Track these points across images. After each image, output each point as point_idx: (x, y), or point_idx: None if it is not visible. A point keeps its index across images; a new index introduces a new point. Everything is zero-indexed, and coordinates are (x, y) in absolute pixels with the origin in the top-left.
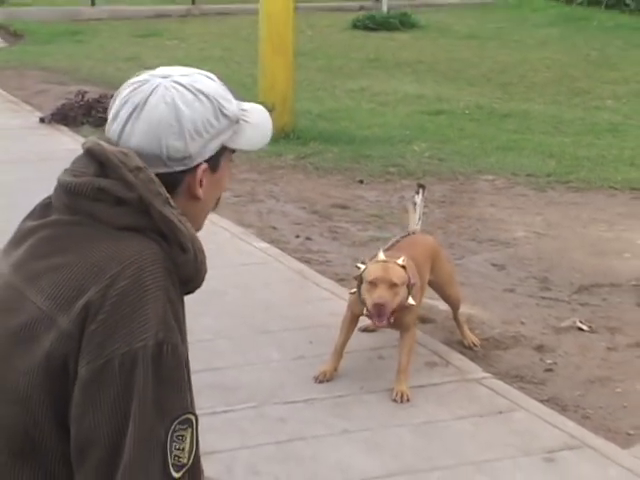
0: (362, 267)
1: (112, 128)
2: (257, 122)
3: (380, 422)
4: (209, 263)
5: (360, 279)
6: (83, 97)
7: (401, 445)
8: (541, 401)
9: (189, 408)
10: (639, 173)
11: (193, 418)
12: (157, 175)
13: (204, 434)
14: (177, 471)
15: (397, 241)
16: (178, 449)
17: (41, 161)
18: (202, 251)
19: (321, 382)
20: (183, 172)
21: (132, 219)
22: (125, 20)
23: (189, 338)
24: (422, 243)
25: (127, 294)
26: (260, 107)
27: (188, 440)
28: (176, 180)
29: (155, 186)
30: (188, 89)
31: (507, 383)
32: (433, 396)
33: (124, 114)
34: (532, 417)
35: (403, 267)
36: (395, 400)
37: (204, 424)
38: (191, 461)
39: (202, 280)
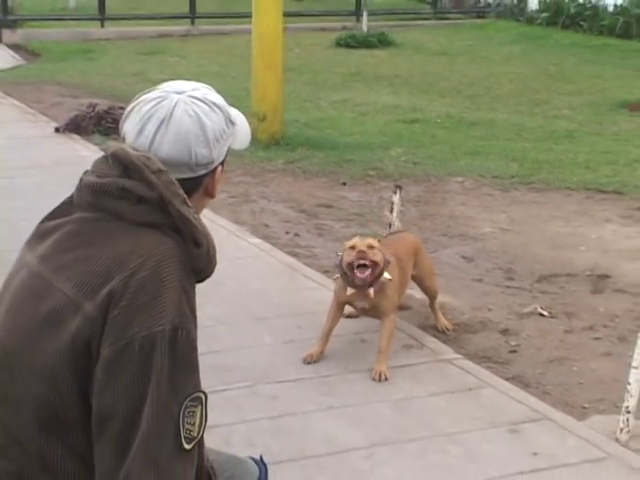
0: (341, 255)
1: (139, 141)
2: (241, 123)
3: (362, 399)
4: None
5: (341, 263)
6: (94, 109)
7: (380, 419)
8: (506, 379)
9: (199, 387)
10: (592, 175)
11: (203, 396)
12: (183, 180)
13: None
14: (188, 443)
15: (383, 238)
16: (190, 424)
17: (56, 166)
18: (214, 246)
19: (309, 363)
20: (204, 175)
21: (152, 216)
22: (131, 40)
23: None
24: (405, 241)
25: (146, 284)
26: (236, 110)
27: (198, 416)
28: (198, 183)
29: (175, 187)
30: (204, 102)
31: (476, 363)
32: (409, 375)
33: (151, 128)
34: (498, 393)
35: (378, 241)
36: (374, 379)
37: None
38: (200, 434)
39: (212, 271)
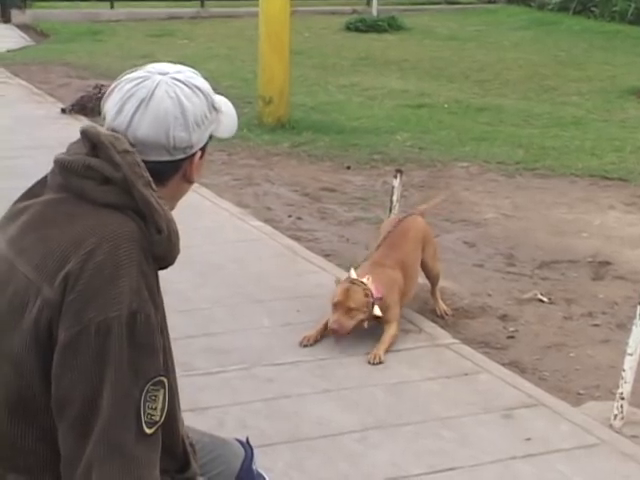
0: (336, 282)
1: (118, 120)
2: (228, 111)
3: (357, 382)
4: (209, 239)
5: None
6: (100, 90)
7: (375, 403)
8: (503, 364)
9: (161, 371)
10: (598, 162)
11: (165, 380)
12: (160, 162)
13: (200, 392)
14: (150, 427)
15: (388, 235)
16: (151, 408)
17: (61, 147)
18: (176, 233)
19: (305, 346)
20: (182, 160)
21: (115, 197)
22: (140, 21)
23: (189, 307)
24: (414, 227)
25: (103, 268)
26: (224, 98)
27: (160, 400)
28: (176, 167)
29: (140, 169)
30: (187, 85)
31: (473, 348)
32: (406, 359)
33: (131, 107)
34: (494, 378)
35: (365, 290)
36: (369, 362)
37: (200, 383)
38: (163, 418)
39: (174, 259)
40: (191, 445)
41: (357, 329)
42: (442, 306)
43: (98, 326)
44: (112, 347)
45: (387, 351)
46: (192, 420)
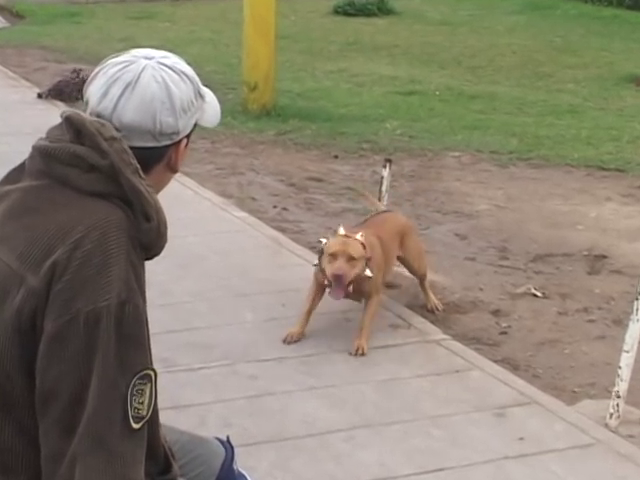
0: (324, 241)
1: (103, 104)
2: (211, 101)
3: (344, 379)
4: (191, 230)
5: (321, 252)
6: (78, 75)
7: (363, 401)
8: (495, 361)
9: (149, 364)
10: (594, 152)
11: (152, 374)
12: (145, 149)
13: (182, 389)
14: (136, 422)
15: (368, 219)
16: (138, 402)
17: (38, 133)
18: (165, 223)
19: (289, 343)
20: (168, 146)
21: (102, 186)
22: (120, 3)
23: (170, 300)
24: (392, 221)
25: (91, 257)
26: (206, 88)
27: (147, 394)
28: (161, 154)
29: (127, 156)
30: (173, 70)
31: (464, 344)
32: (395, 355)
33: (116, 91)
34: (486, 376)
35: (361, 243)
36: (351, 353)
37: (182, 379)
38: (150, 414)
39: (161, 249)
40: (170, 449)
41: (348, 290)
42: (434, 300)
43: (87, 316)
44: (100, 338)
45: (369, 334)
46: (173, 418)
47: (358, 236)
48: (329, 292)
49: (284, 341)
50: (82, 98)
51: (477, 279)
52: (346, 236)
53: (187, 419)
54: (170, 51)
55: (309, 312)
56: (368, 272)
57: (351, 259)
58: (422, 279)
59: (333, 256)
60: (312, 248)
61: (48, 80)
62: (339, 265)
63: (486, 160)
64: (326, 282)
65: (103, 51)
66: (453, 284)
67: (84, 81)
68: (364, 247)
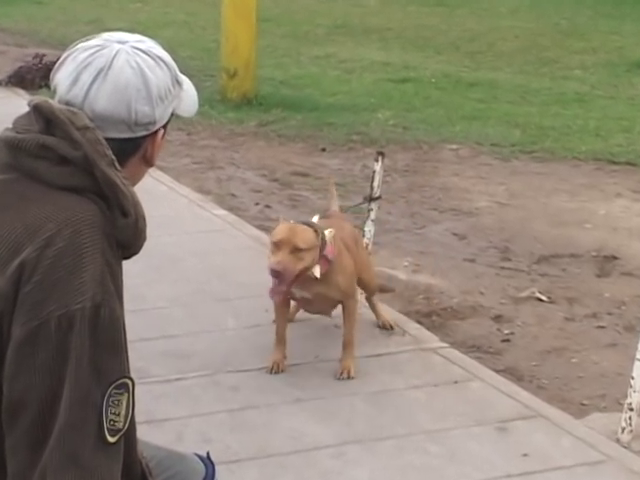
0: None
1: (73, 92)
2: (188, 89)
3: (334, 391)
4: (166, 230)
5: None
6: (41, 60)
7: (354, 414)
8: (497, 371)
9: (126, 372)
10: (603, 144)
11: (130, 383)
12: (120, 140)
13: (157, 401)
14: (112, 435)
15: (322, 218)
16: (114, 414)
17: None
18: (144, 218)
19: (276, 373)
20: (143, 137)
21: (74, 179)
22: None
23: (143, 305)
24: (348, 226)
25: (64, 256)
26: (184, 76)
27: (124, 405)
28: (137, 146)
29: (102, 147)
30: (149, 55)
31: (463, 353)
32: (388, 365)
33: (87, 78)
34: (487, 387)
35: (314, 230)
36: (340, 378)
37: (157, 391)
38: (126, 426)
39: (140, 247)
40: (147, 466)
41: (300, 280)
42: (384, 316)
43: (59, 320)
44: (73, 344)
45: (354, 348)
46: (147, 433)
47: (327, 232)
48: (268, 290)
49: (270, 371)
50: (47, 85)
51: (477, 282)
52: (295, 223)
53: (163, 434)
54: (141, 35)
55: (283, 331)
56: (316, 271)
57: (296, 250)
58: (372, 293)
59: (276, 245)
60: None
61: (8, 66)
62: (280, 258)
63: (486, 153)
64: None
65: (68, 34)
66: (451, 288)
67: (47, 67)
68: (319, 234)
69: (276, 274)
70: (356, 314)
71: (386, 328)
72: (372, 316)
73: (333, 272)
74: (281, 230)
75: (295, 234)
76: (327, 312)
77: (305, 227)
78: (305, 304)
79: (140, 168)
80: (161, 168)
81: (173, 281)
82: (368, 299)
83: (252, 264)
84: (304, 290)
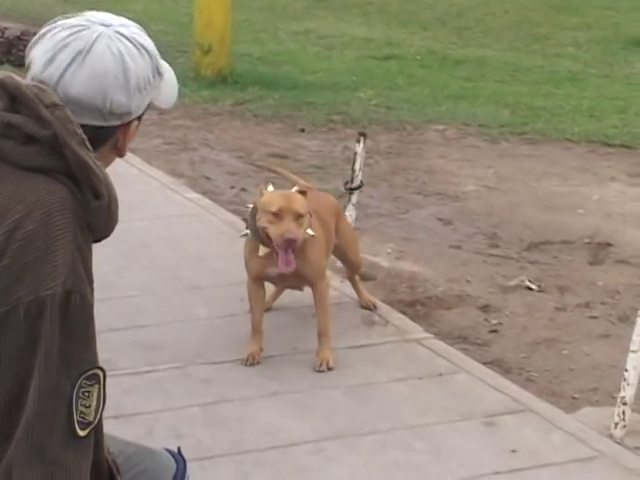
0: (252, 205)
1: (48, 71)
2: (169, 79)
3: (312, 384)
4: (136, 214)
5: (252, 219)
6: (3, 34)
7: (334, 408)
8: (484, 363)
9: (97, 362)
10: (597, 125)
11: (101, 373)
12: (91, 127)
13: (126, 395)
14: (82, 429)
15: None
16: (84, 406)
17: None
18: (116, 200)
19: (252, 365)
20: (116, 127)
21: (42, 159)
22: None
23: (111, 293)
24: (325, 199)
25: (34, 239)
26: (166, 64)
27: (95, 397)
28: (108, 135)
29: (72, 125)
30: (132, 42)
31: (449, 344)
32: (370, 357)
33: (64, 59)
34: (473, 380)
35: (303, 193)
36: (319, 370)
37: (126, 384)
38: (97, 419)
39: (112, 230)
40: (114, 462)
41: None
42: (366, 296)
43: (28, 307)
44: (43, 331)
45: (330, 338)
46: (116, 428)
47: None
48: (279, 262)
49: (245, 363)
50: (9, 61)
51: (463, 270)
52: (285, 191)
53: (132, 429)
54: (110, 7)
55: (260, 322)
56: (309, 231)
57: (299, 217)
58: (357, 270)
59: (277, 215)
60: None
61: None
62: (288, 226)
63: (474, 134)
64: (265, 239)
65: (32, 6)
66: (436, 275)
67: (9, 41)
68: (305, 197)
69: (289, 243)
70: (328, 299)
71: (369, 308)
72: (353, 305)
73: (311, 247)
74: (277, 198)
75: (293, 201)
76: (300, 287)
77: (294, 194)
78: (280, 280)
79: (109, 157)
80: (131, 150)
81: (143, 268)
82: (350, 277)
83: (227, 250)
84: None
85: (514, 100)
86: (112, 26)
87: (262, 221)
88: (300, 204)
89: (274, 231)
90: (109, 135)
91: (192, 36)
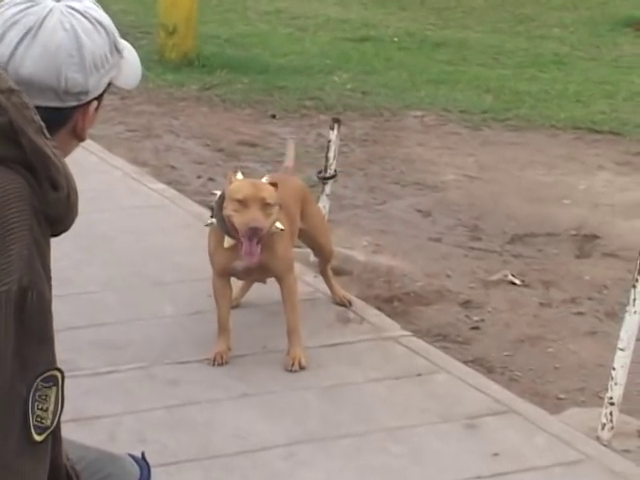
0: (219, 193)
1: None
2: (131, 59)
3: (284, 385)
4: (97, 205)
5: (219, 207)
6: None
7: (306, 410)
8: (465, 362)
9: (55, 363)
10: (584, 110)
11: (59, 375)
12: (46, 109)
13: (86, 397)
14: (39, 434)
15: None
16: (41, 409)
17: None
18: (76, 192)
19: (219, 365)
20: (74, 108)
21: None
22: None
23: (70, 290)
24: (291, 184)
25: None
26: (126, 43)
27: (52, 400)
28: (65, 117)
29: (29, 112)
30: (86, 17)
31: (428, 342)
32: (344, 356)
33: (14, 37)
34: (454, 380)
35: (274, 184)
36: (291, 370)
37: (86, 386)
38: (55, 423)
39: (71, 223)
40: (73, 469)
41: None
42: (340, 291)
43: None
44: None
45: (300, 334)
46: (75, 433)
47: (265, 179)
48: (243, 252)
49: (213, 363)
50: None
51: (443, 264)
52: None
53: (93, 434)
54: None
55: (226, 319)
56: (278, 224)
57: (266, 206)
58: (328, 259)
59: (243, 203)
60: None
61: None
62: (254, 215)
63: (454, 121)
64: (231, 229)
65: None
66: (414, 270)
67: None
68: (277, 190)
69: (254, 232)
70: (297, 294)
71: (344, 305)
72: (327, 301)
73: (279, 240)
74: (244, 186)
75: (261, 189)
76: (264, 280)
77: (263, 183)
78: (246, 275)
79: (70, 142)
80: (91, 137)
81: (104, 263)
82: (323, 271)
83: (193, 244)
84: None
85: (497, 85)
86: (64, 0)
87: (228, 209)
88: (269, 193)
89: (239, 219)
90: (67, 117)
91: (156, 16)
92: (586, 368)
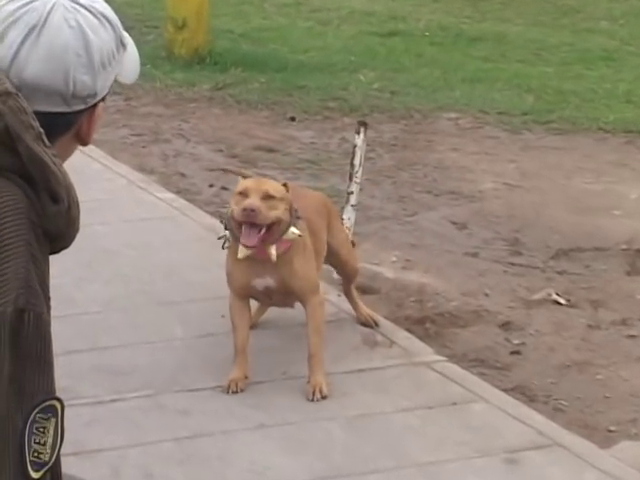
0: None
1: None
2: (131, 50)
3: (305, 415)
4: (100, 217)
5: (229, 219)
6: None
7: (330, 443)
8: (505, 390)
9: (54, 392)
10: (636, 112)
11: (58, 405)
12: (49, 114)
13: (87, 428)
14: (36, 470)
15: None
16: (39, 443)
17: None
18: (77, 204)
19: (234, 393)
20: (79, 112)
21: None
22: None
23: (71, 310)
24: (313, 196)
25: None
26: (125, 33)
27: (51, 432)
28: (70, 122)
29: (27, 117)
30: (91, 12)
31: (464, 368)
32: (372, 383)
33: (16, 36)
34: (493, 409)
35: (283, 184)
36: (312, 399)
37: (87, 416)
38: (54, 459)
39: (72, 239)
40: None
41: (273, 240)
42: (366, 311)
43: None
44: None
45: (322, 361)
46: (76, 467)
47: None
48: (241, 237)
49: (227, 390)
50: None
51: (481, 281)
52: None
53: (95, 468)
54: None
55: (244, 344)
56: (295, 230)
57: (268, 197)
58: (352, 278)
59: (243, 194)
60: None
61: None
62: (251, 201)
63: (492, 124)
64: (236, 232)
65: None
66: (449, 288)
67: None
68: (287, 192)
69: (249, 215)
70: (322, 317)
71: (369, 325)
72: (350, 321)
73: (299, 253)
74: (247, 180)
75: (264, 182)
76: (290, 304)
77: (271, 181)
78: (266, 296)
79: (71, 146)
80: (94, 142)
81: (108, 280)
82: (347, 290)
83: (205, 259)
84: (266, 276)
85: (539, 83)
86: None
87: (231, 205)
88: (272, 187)
89: (237, 208)
90: (71, 123)
91: (164, 9)
92: (639, 397)
